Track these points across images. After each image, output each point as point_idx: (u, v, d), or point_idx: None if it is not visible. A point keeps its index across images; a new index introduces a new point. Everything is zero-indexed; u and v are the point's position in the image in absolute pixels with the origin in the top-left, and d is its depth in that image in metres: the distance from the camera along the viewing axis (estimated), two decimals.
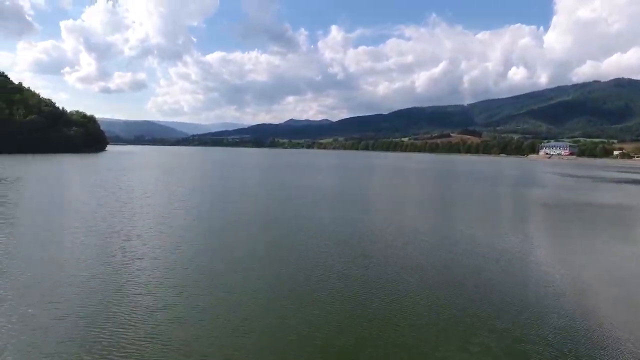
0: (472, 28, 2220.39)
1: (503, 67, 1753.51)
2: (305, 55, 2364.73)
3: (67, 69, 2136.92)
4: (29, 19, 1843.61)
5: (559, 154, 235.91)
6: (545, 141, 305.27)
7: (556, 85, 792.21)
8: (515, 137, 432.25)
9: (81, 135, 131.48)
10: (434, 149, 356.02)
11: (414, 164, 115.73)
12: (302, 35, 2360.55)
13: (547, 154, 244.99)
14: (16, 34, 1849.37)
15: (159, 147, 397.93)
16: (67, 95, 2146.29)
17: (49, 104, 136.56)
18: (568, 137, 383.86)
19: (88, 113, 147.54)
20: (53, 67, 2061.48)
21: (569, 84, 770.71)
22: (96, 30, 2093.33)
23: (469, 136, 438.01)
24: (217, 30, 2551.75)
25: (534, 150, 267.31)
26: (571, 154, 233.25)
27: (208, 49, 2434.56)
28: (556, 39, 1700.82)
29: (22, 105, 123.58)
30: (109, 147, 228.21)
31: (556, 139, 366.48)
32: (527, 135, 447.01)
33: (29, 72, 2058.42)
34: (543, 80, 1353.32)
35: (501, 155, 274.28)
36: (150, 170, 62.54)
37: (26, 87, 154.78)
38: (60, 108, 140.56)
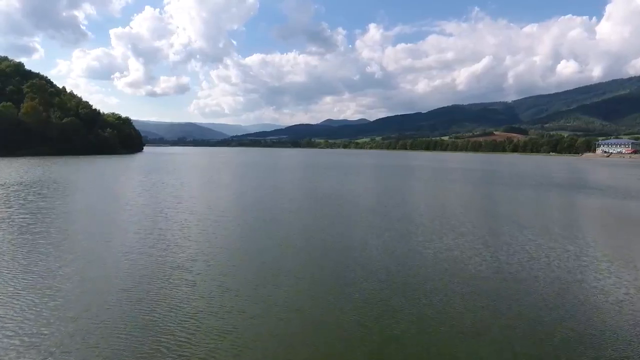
0: (518, 21, 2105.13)
1: (551, 61, 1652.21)
2: (343, 55, 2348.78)
3: (116, 74, 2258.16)
4: (83, 28, 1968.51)
5: (619, 152, 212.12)
6: (602, 138, 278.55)
7: (611, 79, 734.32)
8: (566, 134, 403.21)
9: (115, 136, 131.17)
10: (477, 148, 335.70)
11: (453, 165, 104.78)
12: (339, 34, 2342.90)
13: (605, 152, 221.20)
14: (72, 43, 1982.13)
15: (199, 148, 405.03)
16: (117, 99, 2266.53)
17: (86, 106, 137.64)
18: (626, 134, 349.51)
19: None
20: (104, 73, 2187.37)
21: (626, 76, 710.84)
22: (143, 37, 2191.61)
23: (514, 134, 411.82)
24: (257, 32, 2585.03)
25: (590, 148, 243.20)
26: (635, 151, 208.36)
27: (248, 52, 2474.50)
28: (611, 29, 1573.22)
29: (60, 108, 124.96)
30: (148, 149, 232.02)
31: (612, 135, 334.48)
32: (578, 133, 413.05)
33: (83, 78, 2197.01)
34: (596, 73, 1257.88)
35: (552, 154, 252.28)
36: (166, 174, 57.26)
37: (69, 90, 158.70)
38: (97, 110, 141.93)
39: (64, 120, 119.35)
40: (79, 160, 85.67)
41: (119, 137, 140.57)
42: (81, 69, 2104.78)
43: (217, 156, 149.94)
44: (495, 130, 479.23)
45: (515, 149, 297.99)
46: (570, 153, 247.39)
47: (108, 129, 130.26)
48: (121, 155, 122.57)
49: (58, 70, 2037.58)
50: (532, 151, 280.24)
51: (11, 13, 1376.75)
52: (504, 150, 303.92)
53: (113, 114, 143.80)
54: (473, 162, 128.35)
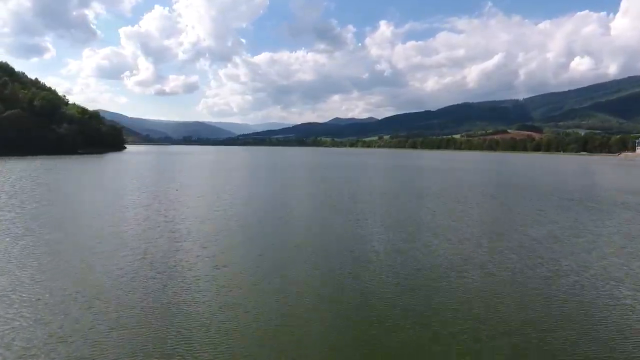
0: (533, 17, 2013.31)
1: (564, 58, 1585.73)
2: (351, 53, 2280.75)
3: (126, 73, 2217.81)
4: (93, 27, 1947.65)
5: None
6: (634, 136, 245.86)
7: (627, 76, 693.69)
8: (582, 132, 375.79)
9: (75, 133, 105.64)
10: (493, 146, 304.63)
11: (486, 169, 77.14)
12: (349, 32, 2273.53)
13: None
14: (82, 42, 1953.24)
15: (200, 147, 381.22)
16: (126, 98, 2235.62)
17: (44, 97, 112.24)
18: None
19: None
20: (114, 72, 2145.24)
21: None
22: (153, 35, 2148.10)
23: (527, 132, 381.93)
24: (265, 30, 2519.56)
25: (626, 147, 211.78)
26: None
27: (256, 50, 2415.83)
28: (627, 25, 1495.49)
29: (5, 99, 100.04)
30: (139, 148, 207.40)
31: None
32: (595, 131, 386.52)
33: (93, 78, 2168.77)
34: (611, 71, 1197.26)
35: (582, 153, 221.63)
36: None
37: (38, 80, 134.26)
38: (58, 102, 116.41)
39: (5, 114, 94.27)
40: None
41: (85, 133, 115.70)
42: (91, 68, 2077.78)
43: (206, 156, 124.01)
44: (509, 129, 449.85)
45: (538, 148, 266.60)
46: (602, 152, 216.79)
47: (65, 124, 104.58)
48: (78, 156, 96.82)
49: (68, 69, 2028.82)
50: (556, 150, 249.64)
51: (22, 13, 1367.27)
52: (524, 149, 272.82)
53: (76, 105, 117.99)
54: (500, 163, 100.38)
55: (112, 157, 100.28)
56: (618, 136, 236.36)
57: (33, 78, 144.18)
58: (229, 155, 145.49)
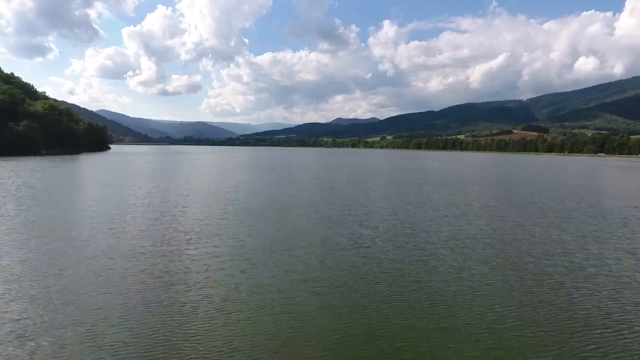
0: (538, 17, 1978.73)
1: (569, 58, 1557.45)
2: (355, 53, 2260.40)
3: (129, 73, 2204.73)
4: (96, 26, 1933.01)
5: None
6: None
7: (632, 76, 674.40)
8: (589, 133, 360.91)
9: (36, 132, 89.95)
10: (502, 147, 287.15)
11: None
12: (352, 32, 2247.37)
13: None
14: (85, 42, 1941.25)
15: (198, 147, 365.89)
16: (129, 98, 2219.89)
17: (6, 91, 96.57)
18: None
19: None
20: (117, 72, 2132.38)
21: None
22: (155, 35, 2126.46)
23: (533, 132, 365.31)
24: (269, 30, 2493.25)
25: None
26: None
27: (259, 50, 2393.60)
28: (634, 24, 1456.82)
29: None
30: (130, 148, 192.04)
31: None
32: (601, 131, 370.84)
33: (96, 78, 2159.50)
34: (616, 70, 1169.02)
35: (600, 154, 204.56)
36: None
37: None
38: (24, 96, 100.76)
39: None
40: None
41: (54, 132, 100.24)
42: (94, 68, 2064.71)
43: (185, 159, 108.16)
44: (514, 129, 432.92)
45: (551, 148, 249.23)
46: (621, 153, 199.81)
47: (25, 120, 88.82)
48: (38, 157, 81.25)
49: (72, 69, 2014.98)
50: (571, 151, 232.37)
51: (25, 12, 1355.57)
52: (536, 150, 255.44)
53: (44, 102, 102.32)
54: (545, 170, 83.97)
55: (78, 159, 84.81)
56: (639, 136, 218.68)
57: (8, 72, 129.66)
58: (224, 156, 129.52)
